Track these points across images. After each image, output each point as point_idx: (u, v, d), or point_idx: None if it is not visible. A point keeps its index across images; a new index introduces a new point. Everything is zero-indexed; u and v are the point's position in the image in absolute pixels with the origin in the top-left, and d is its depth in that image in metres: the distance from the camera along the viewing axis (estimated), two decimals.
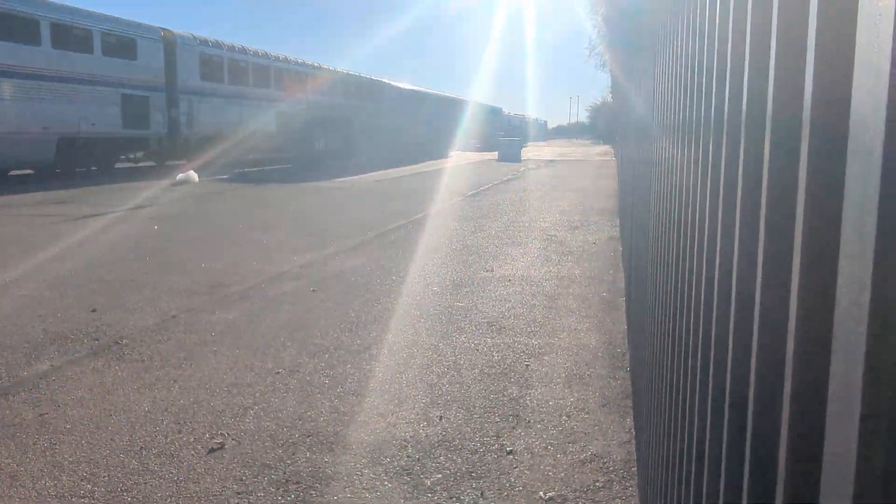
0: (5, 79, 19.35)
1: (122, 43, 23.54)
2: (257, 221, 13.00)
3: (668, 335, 1.82)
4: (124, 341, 5.74)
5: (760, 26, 0.80)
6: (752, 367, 0.70)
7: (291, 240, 10.82)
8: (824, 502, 0.49)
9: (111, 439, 3.98)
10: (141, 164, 27.03)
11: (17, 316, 6.42)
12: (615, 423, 4.26)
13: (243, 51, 29.92)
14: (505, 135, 52.75)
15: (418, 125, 46.13)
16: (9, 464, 3.70)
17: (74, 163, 22.29)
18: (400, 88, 47.72)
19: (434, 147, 44.35)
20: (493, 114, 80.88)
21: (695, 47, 1.44)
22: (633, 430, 4.11)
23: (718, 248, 1.01)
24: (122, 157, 25.55)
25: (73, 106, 21.50)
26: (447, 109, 56.35)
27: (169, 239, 10.74)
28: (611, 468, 3.69)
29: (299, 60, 34.50)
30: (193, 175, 21.77)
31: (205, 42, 27.55)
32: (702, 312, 1.12)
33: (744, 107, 0.87)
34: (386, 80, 45.67)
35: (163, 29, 26.03)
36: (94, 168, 23.12)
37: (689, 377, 1.34)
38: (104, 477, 3.56)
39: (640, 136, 4.38)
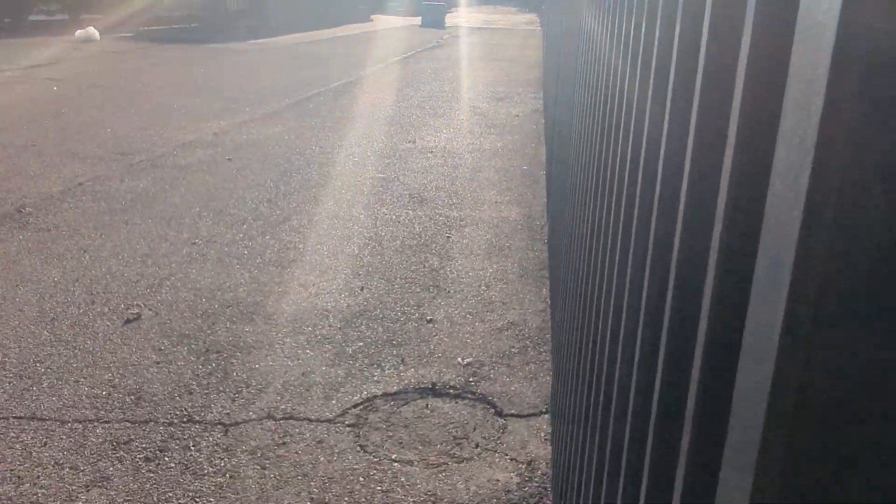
0: None
1: None
2: (165, 84, 12.28)
3: (588, 212, 1.84)
4: (27, 209, 5.46)
5: None
6: (677, 231, 0.70)
7: (203, 105, 10.30)
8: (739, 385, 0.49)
9: (20, 310, 3.86)
10: (55, 17, 24.79)
11: None
12: (532, 292, 4.40)
13: None
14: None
15: None
16: None
17: None
18: None
19: (354, 10, 42.34)
20: None
21: None
22: (548, 300, 4.27)
23: (646, 134, 1.00)
24: (36, 8, 23.69)
25: None
26: None
27: (70, 102, 10.06)
28: (526, 335, 3.84)
29: None
30: (94, 32, 20.15)
31: None
32: (624, 193, 1.12)
33: None
34: None
35: None
36: (7, 20, 21.24)
37: (606, 251, 1.36)
38: (14, 348, 3.48)
39: (567, 6, 4.26)
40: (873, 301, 0.39)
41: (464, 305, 4.16)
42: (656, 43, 0.94)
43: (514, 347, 3.70)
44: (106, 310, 3.90)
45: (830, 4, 0.38)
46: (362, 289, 4.31)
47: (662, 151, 0.84)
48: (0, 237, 4.90)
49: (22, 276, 4.29)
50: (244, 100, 10.94)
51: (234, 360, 3.44)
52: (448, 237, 5.30)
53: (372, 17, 45.03)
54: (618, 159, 1.29)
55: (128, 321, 3.78)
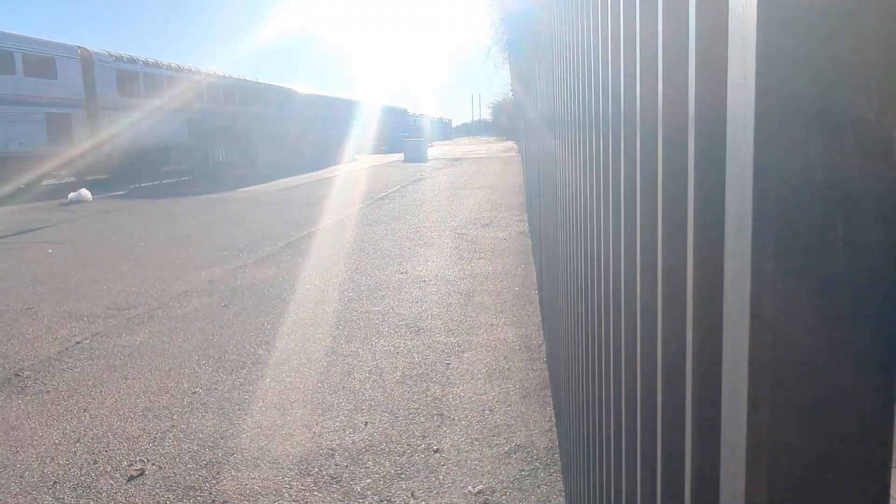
0: None
1: (43, 63, 23.84)
2: (159, 238, 12.58)
3: (581, 326, 1.91)
4: (25, 373, 5.46)
5: (647, 36, 0.87)
6: (658, 352, 0.77)
7: (197, 254, 10.53)
8: (724, 481, 0.55)
9: (20, 476, 3.80)
10: (64, 181, 25.94)
11: None
12: (536, 412, 4.39)
13: (156, 65, 30.11)
14: (410, 136, 52.90)
15: (322, 130, 45.62)
16: None
17: (2, 181, 21.87)
18: (300, 93, 47.05)
19: (338, 151, 43.99)
20: (398, 115, 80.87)
21: (586, 55, 1.53)
22: (553, 419, 4.25)
23: (623, 243, 1.08)
24: (49, 173, 25.26)
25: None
26: (350, 113, 55.98)
27: (65, 263, 10.25)
28: (535, 456, 3.80)
29: (202, 70, 33.42)
30: (86, 193, 20.80)
31: (120, 58, 28.00)
32: (611, 302, 1.19)
33: (637, 110, 0.95)
34: (287, 86, 44.96)
35: (80, 47, 26.09)
36: (22, 186, 22.44)
37: (602, 364, 1.42)
38: None
39: (542, 133, 4.51)
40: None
41: (469, 432, 4.14)
42: (623, 170, 1.05)
43: (523, 471, 3.65)
44: (109, 468, 3.85)
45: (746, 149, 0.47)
46: (366, 424, 4.28)
47: (623, 271, 0.92)
48: None
49: (22, 441, 4.25)
50: (237, 246, 11.18)
51: None
52: (448, 364, 5.32)
53: (357, 157, 46.74)
54: (597, 275, 1.38)
55: (131, 478, 3.72)
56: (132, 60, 28.83)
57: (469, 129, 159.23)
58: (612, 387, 1.27)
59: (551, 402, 4.48)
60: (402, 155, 43.58)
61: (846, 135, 0.42)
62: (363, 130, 55.61)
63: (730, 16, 0.49)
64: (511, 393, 4.72)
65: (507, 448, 3.91)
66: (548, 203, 4.22)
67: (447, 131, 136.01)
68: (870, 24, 0.39)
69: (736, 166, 0.48)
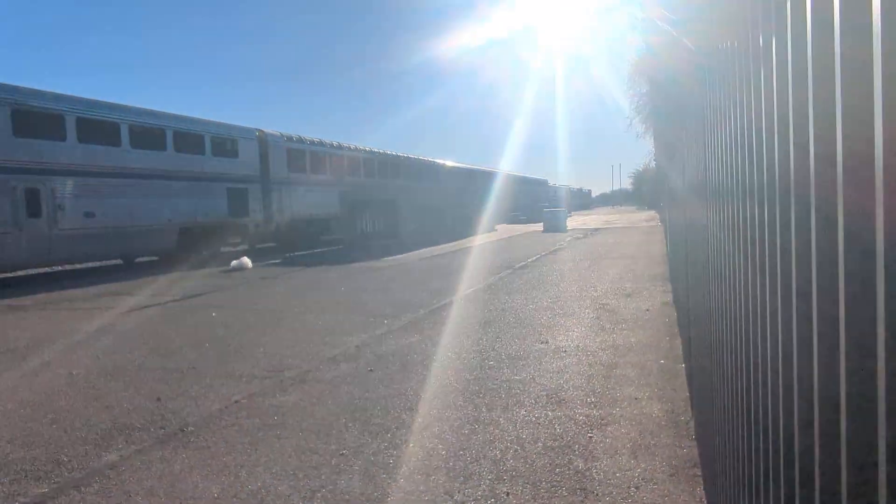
0: (142, 179, 22.76)
1: (227, 144, 27.27)
2: (311, 304, 13.24)
3: (743, 400, 1.83)
4: (189, 428, 5.85)
5: (799, 110, 0.88)
6: (843, 427, 0.74)
7: (345, 321, 10.98)
8: None
9: None
10: (238, 248, 29.83)
11: (85, 407, 6.61)
12: (685, 492, 4.17)
13: (320, 143, 33.94)
14: (549, 206, 53.04)
15: (462, 200, 46.77)
16: None
17: (191, 249, 24.87)
18: (443, 165, 48.72)
19: (478, 221, 44.78)
20: (537, 185, 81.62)
21: (743, 125, 1.52)
22: (703, 500, 4.02)
23: (769, 311, 1.06)
24: (227, 241, 28.89)
25: (190, 200, 25.08)
26: (490, 183, 57.10)
27: (226, 326, 11.00)
28: None
29: (352, 146, 35.88)
30: (247, 261, 22.36)
31: (290, 138, 31.55)
32: (779, 374, 1.15)
33: (791, 182, 0.94)
34: (429, 159, 46.71)
35: (258, 129, 29.71)
36: (204, 252, 25.43)
37: (770, 441, 1.36)
38: None
39: (690, 203, 4.42)
40: None
41: None
42: (778, 246, 1.03)
43: None
44: None
45: None
46: (508, 494, 4.23)
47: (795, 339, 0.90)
48: (166, 456, 5.25)
49: (185, 494, 4.53)
50: (382, 313, 11.56)
51: None
52: (590, 437, 5.19)
53: (496, 226, 47.34)
54: (762, 343, 1.33)
55: None
56: (300, 140, 32.27)
57: (608, 199, 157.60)
58: (782, 466, 1.22)
59: (702, 483, 4.24)
60: (540, 225, 43.69)
61: None
62: (502, 200, 56.40)
63: (875, 88, 0.50)
64: (658, 470, 4.52)
65: None
66: (696, 272, 4.10)
67: (586, 201, 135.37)
68: None
69: (891, 239, 0.49)
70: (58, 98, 20.47)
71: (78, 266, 23.44)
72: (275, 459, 5.03)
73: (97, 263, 25.16)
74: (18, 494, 4.63)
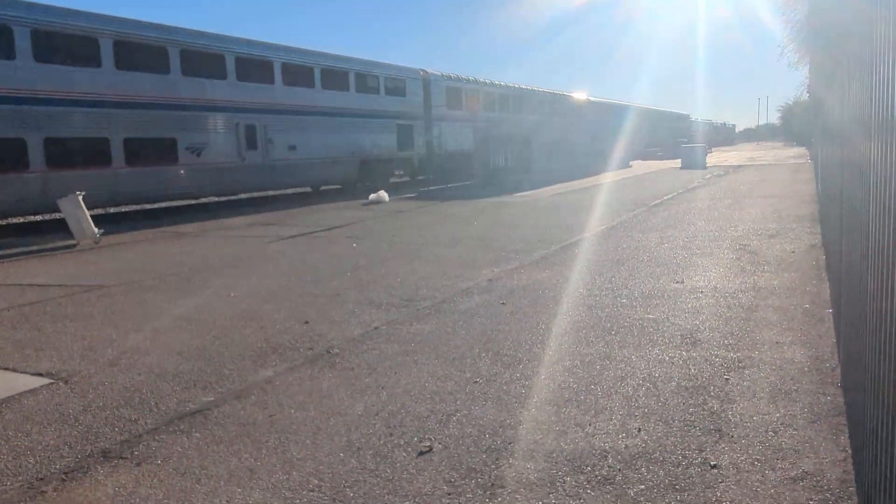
0: (331, 117, 26.26)
1: (397, 84, 30.44)
2: (444, 238, 13.54)
3: None
4: (334, 350, 6.25)
5: None
6: None
7: (477, 255, 11.17)
8: None
9: (331, 440, 4.38)
10: (402, 179, 32.89)
11: (243, 327, 7.18)
12: (827, 440, 4.05)
13: (472, 81, 36.15)
14: (688, 141, 50.70)
15: (596, 135, 45.58)
16: (247, 458, 4.19)
17: (367, 179, 28.13)
18: (576, 99, 47.47)
19: (613, 157, 43.61)
20: (678, 120, 78.05)
21: None
22: (848, 449, 3.88)
23: None
24: (395, 173, 32.04)
25: (369, 135, 28.36)
26: (626, 119, 55.19)
27: (366, 256, 11.49)
28: (825, 487, 3.52)
29: (446, 74, 36.11)
30: (384, 195, 23.06)
31: (448, 77, 34.25)
32: None
33: None
34: (561, 92, 45.63)
35: (421, 69, 32.50)
36: (368, 183, 27.96)
37: None
38: (328, 474, 3.93)
39: (848, 139, 4.14)
40: None
41: (750, 451, 3.94)
42: None
43: (812, 500, 3.40)
44: (402, 442, 4.29)
45: None
46: (639, 430, 4.27)
47: None
48: (314, 375, 5.65)
49: (332, 409, 4.89)
50: (513, 248, 11.67)
51: (518, 497, 3.57)
52: (727, 379, 5.10)
53: (632, 162, 45.96)
54: None
55: (421, 453, 4.11)
56: (457, 79, 34.94)
57: (754, 135, 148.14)
58: None
59: (846, 431, 4.10)
60: (678, 161, 41.97)
61: None
62: (638, 135, 54.43)
63: None
64: (798, 416, 4.40)
65: (793, 474, 3.66)
66: (853, 214, 3.87)
67: (729, 136, 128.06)
68: None
69: None
70: (267, 47, 23.93)
71: (257, 194, 25.70)
72: (413, 383, 5.30)
73: (292, 190, 28.31)
74: (188, 401, 5.16)
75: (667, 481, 3.64)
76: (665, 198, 20.39)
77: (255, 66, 23.20)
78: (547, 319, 6.94)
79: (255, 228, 16.68)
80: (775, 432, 4.19)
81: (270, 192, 26.48)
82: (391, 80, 29.86)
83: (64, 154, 17.52)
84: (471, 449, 4.13)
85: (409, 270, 9.95)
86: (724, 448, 3.99)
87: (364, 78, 28.09)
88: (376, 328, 6.91)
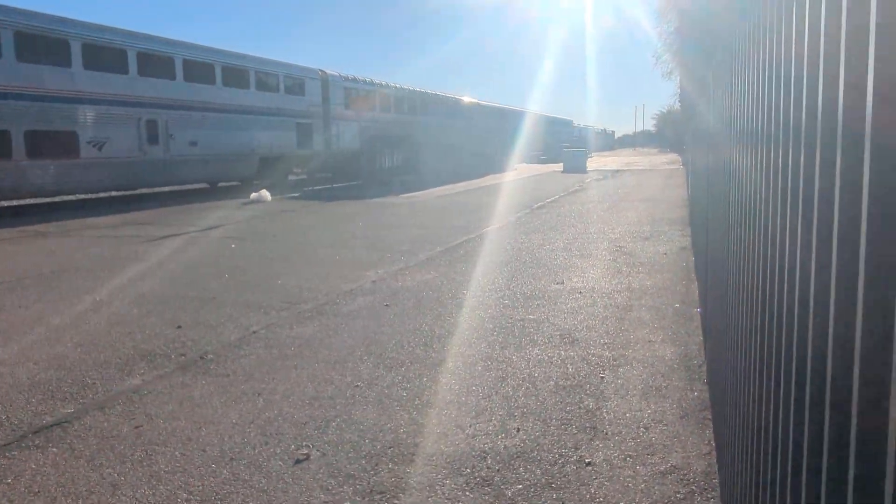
0: (232, 114, 26.30)
1: (296, 83, 30.44)
2: (329, 238, 13.31)
3: (755, 345, 1.83)
4: (209, 356, 5.97)
5: (830, 42, 0.84)
6: (855, 371, 0.74)
7: (362, 255, 11.05)
8: None
9: (203, 450, 4.16)
10: (300, 176, 32.84)
11: (108, 333, 6.75)
12: (694, 434, 4.22)
13: (369, 82, 36.22)
14: (570, 146, 52.42)
15: (483, 138, 46.35)
16: (109, 473, 3.91)
17: (266, 176, 28.14)
18: (463, 102, 48.07)
19: (498, 160, 44.48)
20: (560, 125, 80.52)
21: (779, 60, 1.47)
22: (712, 442, 4.07)
23: (799, 258, 1.05)
24: (293, 170, 32.29)
25: (268, 133, 28.42)
26: (510, 122, 56.43)
27: (246, 257, 11.12)
28: (691, 480, 3.66)
29: (344, 75, 36.01)
30: (266, 194, 22.45)
31: (345, 78, 34.28)
32: (795, 320, 1.14)
33: (818, 119, 0.91)
34: (450, 95, 46.08)
35: (320, 70, 32.54)
36: (273, 180, 28.08)
37: (779, 386, 1.36)
38: (198, 487, 3.73)
39: (714, 145, 4.34)
40: None
41: (623, 448, 4.05)
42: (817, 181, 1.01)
43: (679, 493, 3.53)
44: (278, 450, 4.13)
45: None
46: (518, 430, 4.31)
47: (813, 284, 0.88)
48: (186, 382, 5.37)
49: (205, 418, 4.66)
50: (399, 249, 11.62)
51: (398, 502, 3.51)
52: (602, 377, 5.24)
53: (515, 165, 46.94)
54: (777, 290, 1.32)
55: (298, 461, 3.98)
56: (353, 80, 35.04)
57: (631, 141, 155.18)
58: (790, 410, 1.22)
59: (711, 426, 4.29)
60: (561, 165, 43.30)
61: None
62: (523, 140, 55.78)
63: None
64: (668, 412, 4.58)
65: (662, 468, 3.80)
66: (717, 217, 4.06)
67: (609, 142, 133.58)
68: None
69: None
70: (169, 43, 23.97)
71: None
72: (291, 389, 5.14)
73: (178, 188, 27.55)
74: (45, 414, 4.78)
75: (543, 480, 3.68)
76: (547, 201, 20.94)
77: (157, 61, 23.27)
78: (430, 321, 6.92)
79: (128, 228, 15.81)
80: (647, 428, 4.33)
81: (165, 189, 26.22)
82: (290, 79, 30.17)
83: None
84: (350, 455, 4.03)
85: (290, 272, 9.70)
86: (598, 445, 4.09)
87: (264, 76, 28.48)
88: (254, 332, 6.67)
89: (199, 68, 25.06)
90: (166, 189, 26.72)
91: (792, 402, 1.17)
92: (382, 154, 34.43)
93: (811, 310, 0.93)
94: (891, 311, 0.55)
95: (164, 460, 4.06)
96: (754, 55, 1.90)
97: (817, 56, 1.00)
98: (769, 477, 1.51)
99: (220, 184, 28.34)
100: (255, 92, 27.87)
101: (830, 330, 0.78)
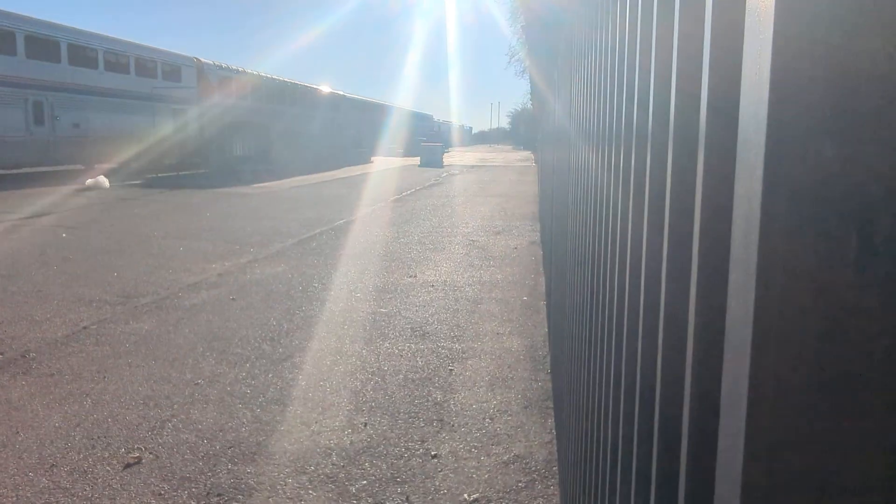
0: (113, 98, 26.54)
1: (173, 70, 30.54)
2: (172, 228, 12.63)
3: (585, 336, 1.88)
4: (31, 354, 5.48)
5: (663, 41, 0.85)
6: (658, 365, 0.74)
7: (208, 247, 10.56)
8: (719, 491, 0.52)
9: (18, 458, 3.80)
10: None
11: None
12: (537, 424, 4.35)
13: (226, 68, 34.99)
14: (427, 140, 52.91)
15: (340, 130, 45.82)
16: None
17: (144, 160, 27.19)
18: (320, 92, 47.23)
19: (356, 152, 44.15)
20: (420, 119, 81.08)
21: (609, 60, 1.51)
22: (554, 431, 4.21)
23: (629, 253, 1.06)
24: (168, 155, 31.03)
25: (145, 118, 28.45)
26: (369, 115, 56.19)
27: (78, 248, 10.31)
28: (533, 468, 3.76)
29: (217, 63, 34.49)
30: (103, 180, 20.99)
31: (219, 66, 34.17)
32: (615, 314, 1.17)
33: (650, 117, 0.92)
34: (306, 84, 45.14)
35: (195, 58, 32.47)
36: (149, 164, 27.22)
37: (604, 377, 1.39)
38: (11, 497, 3.40)
39: (559, 142, 4.49)
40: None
41: (468, 439, 4.10)
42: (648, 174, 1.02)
43: (521, 482, 3.62)
44: (106, 454, 3.84)
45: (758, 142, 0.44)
46: (365, 425, 4.26)
47: (644, 276, 0.89)
48: (3, 383, 4.89)
49: (23, 422, 4.26)
50: (248, 241, 11.21)
51: (236, 503, 3.36)
52: (451, 370, 5.29)
53: (372, 158, 46.81)
54: (608, 284, 1.35)
55: (128, 465, 3.72)
56: (227, 68, 34.89)
57: (486, 137, 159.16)
58: (611, 401, 1.25)
59: (553, 415, 4.44)
60: (417, 159, 43.62)
61: (864, 136, 0.39)
62: (381, 132, 55.74)
63: (746, 10, 0.46)
64: (513, 403, 4.69)
65: (505, 458, 3.88)
66: (560, 212, 4.20)
67: (467, 138, 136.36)
68: (892, 15, 0.37)
69: (746, 169, 0.46)
70: (54, 27, 23.91)
71: None
72: (124, 388, 4.81)
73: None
74: None
75: (389, 474, 3.65)
76: (404, 194, 21.02)
77: (44, 44, 23.48)
78: (279, 315, 6.72)
79: None
80: (492, 419, 4.41)
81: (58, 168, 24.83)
82: (168, 65, 30.28)
83: None
84: (186, 457, 3.82)
85: (128, 264, 9.10)
86: (444, 437, 4.11)
87: (143, 62, 28.66)
88: (85, 328, 6.18)
89: (83, 53, 25.31)
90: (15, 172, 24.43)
91: (611, 395, 1.20)
92: (232, 142, 33.19)
93: (641, 303, 0.94)
94: (721, 307, 0.54)
95: None
96: (590, 53, 1.95)
97: (648, 59, 1.02)
98: (594, 465, 1.55)
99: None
100: (135, 77, 28.09)
101: (661, 322, 0.78)
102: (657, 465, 0.77)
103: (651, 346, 0.82)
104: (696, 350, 0.59)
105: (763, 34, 0.43)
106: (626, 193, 1.13)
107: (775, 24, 0.42)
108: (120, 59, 27.23)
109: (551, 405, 4.61)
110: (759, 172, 0.42)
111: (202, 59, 33.00)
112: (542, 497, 3.45)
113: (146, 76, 28.79)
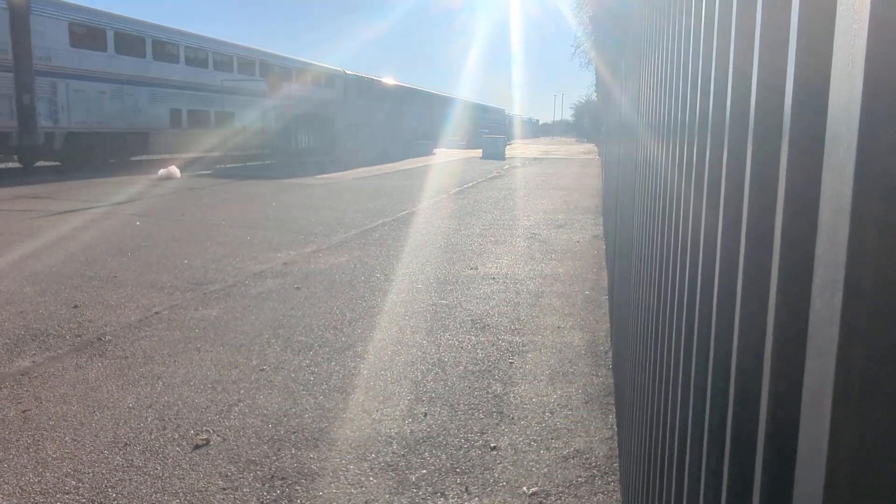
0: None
1: (223, 60, 31.48)
2: (240, 218, 12.95)
3: (651, 333, 1.85)
4: (107, 338, 5.71)
5: (744, 30, 0.83)
6: (733, 364, 0.73)
7: (274, 237, 10.79)
8: (798, 496, 0.51)
9: (95, 436, 3.97)
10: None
11: None
12: (598, 419, 4.31)
13: (287, 59, 36.52)
14: (489, 132, 52.78)
15: (403, 122, 46.14)
16: None
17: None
18: (384, 84, 47.64)
19: (418, 145, 44.36)
20: (483, 111, 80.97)
21: (682, 50, 1.48)
22: (615, 427, 4.16)
23: (701, 249, 1.04)
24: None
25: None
26: (432, 107, 56.36)
27: (151, 236, 10.68)
28: (593, 463, 3.73)
29: (284, 56, 35.20)
30: (175, 170, 21.66)
31: (285, 59, 35.70)
32: (685, 311, 1.15)
33: (727, 110, 0.90)
34: (370, 77, 45.59)
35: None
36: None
37: (671, 373, 1.37)
38: (88, 473, 3.55)
39: (625, 135, 4.42)
40: None
41: (528, 432, 4.10)
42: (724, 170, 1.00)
43: (580, 477, 3.59)
44: (176, 436, 3.98)
45: (849, 143, 0.43)
46: (426, 415, 4.29)
47: (717, 272, 0.88)
48: (81, 364, 5.11)
49: (99, 402, 4.44)
50: (312, 231, 11.41)
51: (299, 488, 3.43)
52: (511, 363, 5.29)
53: (435, 150, 46.99)
54: (678, 281, 1.33)
55: (197, 447, 3.84)
56: (294, 60, 36.62)
57: (549, 130, 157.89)
58: (679, 399, 1.23)
59: (614, 410, 4.39)
60: (479, 151, 43.57)
61: None
62: (444, 125, 55.87)
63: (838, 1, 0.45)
64: (573, 397, 4.66)
65: (565, 452, 3.86)
66: (625, 207, 4.14)
67: (533, 130, 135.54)
68: None
69: (835, 165, 0.45)
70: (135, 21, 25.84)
71: None
72: (193, 372, 4.96)
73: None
74: None
75: (448, 465, 3.68)
76: (465, 186, 21.03)
77: (196, 54, 27.44)
78: (341, 304, 6.82)
79: (21, 202, 14.94)
80: (552, 413, 4.39)
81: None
82: (242, 59, 32.00)
83: None
84: (252, 440, 3.92)
85: (198, 252, 9.37)
86: (504, 430, 4.12)
87: (219, 58, 30.60)
88: (157, 313, 6.41)
89: (195, 54, 28.67)
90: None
91: (679, 394, 1.18)
92: (298, 134, 33.77)
93: (714, 301, 0.92)
94: (805, 308, 0.53)
95: (52, 446, 3.85)
96: (660, 44, 1.91)
97: (727, 53, 0.99)
98: (659, 462, 1.53)
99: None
100: (185, 66, 29.09)
101: (737, 323, 0.76)
102: (729, 463, 0.76)
103: (725, 345, 0.80)
104: (775, 349, 0.58)
105: (857, 20, 0.42)
106: (700, 189, 1.11)
107: (871, 7, 0.40)
108: (201, 54, 29.42)
109: (612, 401, 4.56)
110: (851, 169, 0.41)
111: (267, 51, 34.61)
112: (603, 493, 3.42)
113: (222, 70, 30.67)
